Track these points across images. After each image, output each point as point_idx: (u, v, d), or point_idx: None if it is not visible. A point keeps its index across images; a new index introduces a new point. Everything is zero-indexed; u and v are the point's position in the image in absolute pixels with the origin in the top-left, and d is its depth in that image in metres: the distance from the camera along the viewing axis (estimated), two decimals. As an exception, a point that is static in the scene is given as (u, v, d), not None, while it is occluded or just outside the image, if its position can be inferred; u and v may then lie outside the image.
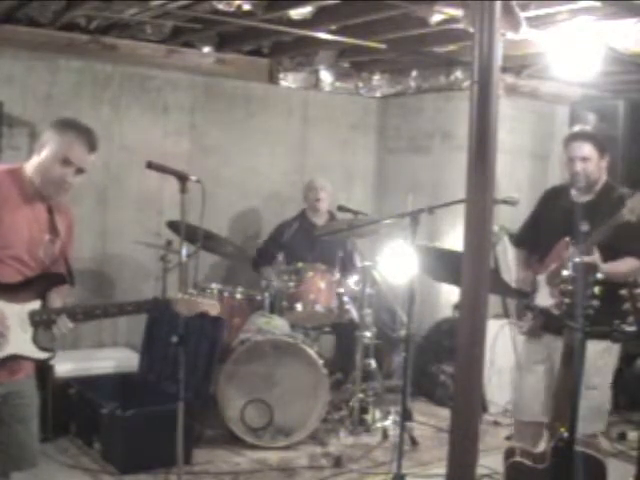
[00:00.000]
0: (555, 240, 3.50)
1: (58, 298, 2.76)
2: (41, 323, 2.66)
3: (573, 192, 3.58)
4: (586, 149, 3.46)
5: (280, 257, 5.05)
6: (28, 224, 2.66)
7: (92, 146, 2.70)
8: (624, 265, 3.34)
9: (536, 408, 3.53)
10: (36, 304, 2.66)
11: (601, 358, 3.38)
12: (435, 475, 4.07)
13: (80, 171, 2.68)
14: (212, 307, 3.01)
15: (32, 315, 2.64)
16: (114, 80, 5.34)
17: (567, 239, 3.42)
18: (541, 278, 3.58)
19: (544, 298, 3.53)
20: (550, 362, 3.53)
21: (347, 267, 5.16)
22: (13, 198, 2.64)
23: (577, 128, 3.66)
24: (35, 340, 2.66)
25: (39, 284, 2.69)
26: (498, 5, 2.13)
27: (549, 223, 3.66)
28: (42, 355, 2.70)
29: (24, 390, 2.75)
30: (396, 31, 4.62)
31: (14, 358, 2.64)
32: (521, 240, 3.92)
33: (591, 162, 3.46)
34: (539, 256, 3.65)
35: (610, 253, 3.29)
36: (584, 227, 3.25)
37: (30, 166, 2.69)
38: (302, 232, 5.41)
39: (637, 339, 2.70)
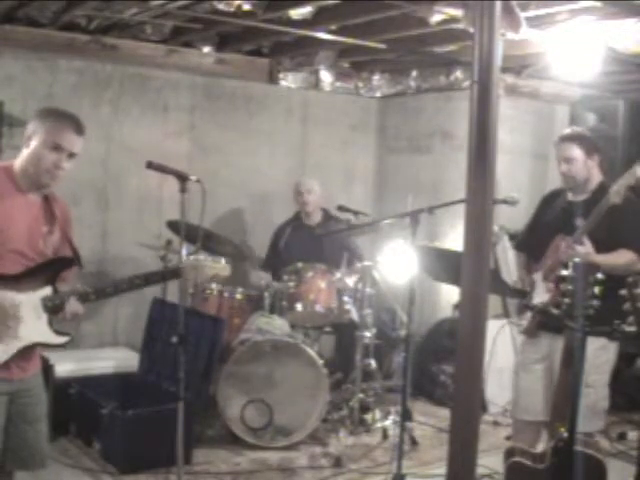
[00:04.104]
0: (552, 238, 3.56)
1: (66, 283, 2.78)
2: (54, 308, 2.68)
3: (569, 193, 3.64)
4: (570, 150, 3.52)
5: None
6: (25, 218, 2.67)
7: (79, 129, 2.70)
8: (619, 257, 3.35)
9: (534, 407, 3.55)
10: (47, 290, 2.68)
11: (598, 356, 3.39)
12: (435, 475, 4.07)
13: (71, 156, 2.68)
14: (223, 269, 3.04)
15: (45, 301, 2.66)
16: (114, 80, 5.34)
17: (562, 235, 3.47)
18: (538, 276, 3.62)
19: (541, 295, 3.57)
20: (549, 361, 3.54)
21: (351, 263, 5.17)
22: (8, 193, 2.65)
23: (567, 130, 3.72)
24: (51, 325, 2.69)
25: (48, 270, 2.71)
26: (498, 5, 2.13)
27: (547, 223, 3.70)
28: (60, 340, 2.72)
29: (32, 388, 2.76)
30: (396, 31, 4.62)
31: (32, 347, 2.66)
32: (521, 244, 3.96)
33: (576, 163, 3.52)
34: (538, 257, 3.67)
35: (606, 245, 3.32)
36: (579, 223, 3.29)
37: (20, 160, 2.69)
38: (297, 234, 5.42)
39: (637, 339, 2.69)
